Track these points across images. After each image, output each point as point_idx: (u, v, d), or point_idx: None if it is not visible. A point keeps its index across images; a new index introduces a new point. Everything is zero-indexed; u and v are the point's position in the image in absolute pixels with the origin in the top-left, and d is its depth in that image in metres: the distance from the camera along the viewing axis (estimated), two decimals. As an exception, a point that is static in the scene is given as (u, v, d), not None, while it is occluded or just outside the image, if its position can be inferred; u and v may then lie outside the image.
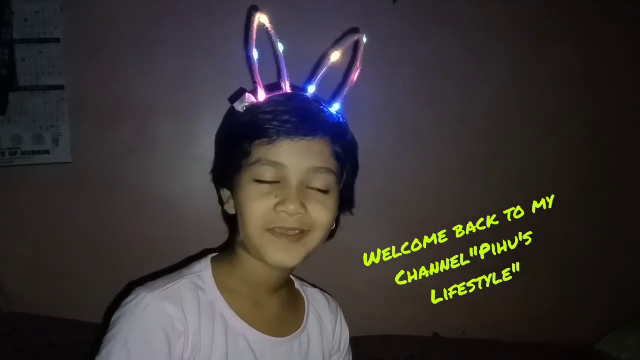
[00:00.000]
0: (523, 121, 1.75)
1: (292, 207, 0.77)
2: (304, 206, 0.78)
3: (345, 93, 0.89)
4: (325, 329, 0.98)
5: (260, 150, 0.79)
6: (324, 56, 0.88)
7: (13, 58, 1.47)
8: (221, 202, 0.92)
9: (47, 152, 1.51)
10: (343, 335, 1.03)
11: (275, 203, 0.78)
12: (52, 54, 1.49)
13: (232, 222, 0.88)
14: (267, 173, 0.79)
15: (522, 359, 1.64)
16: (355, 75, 0.90)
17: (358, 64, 0.90)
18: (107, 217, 1.55)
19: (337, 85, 0.92)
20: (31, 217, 1.53)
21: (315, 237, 0.82)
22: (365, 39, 0.90)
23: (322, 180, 0.81)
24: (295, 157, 0.79)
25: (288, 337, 0.89)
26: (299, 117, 0.80)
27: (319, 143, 0.81)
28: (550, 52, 1.72)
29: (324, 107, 0.86)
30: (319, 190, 0.81)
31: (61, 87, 1.50)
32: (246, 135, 0.80)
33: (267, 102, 0.84)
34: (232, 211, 0.86)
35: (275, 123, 0.79)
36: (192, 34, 1.53)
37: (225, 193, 0.88)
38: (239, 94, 0.87)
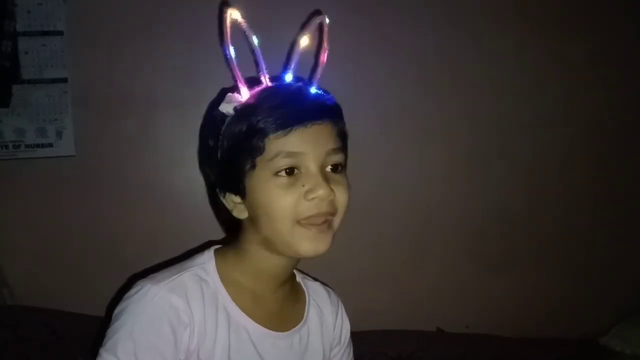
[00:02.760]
0: (530, 116, 1.74)
1: (322, 192, 0.77)
2: (332, 188, 0.79)
3: (319, 75, 0.89)
4: (325, 322, 0.98)
5: (276, 144, 0.78)
6: (294, 43, 0.87)
7: (16, 50, 1.47)
8: (218, 215, 0.90)
9: (51, 145, 1.51)
10: (344, 329, 1.03)
11: (305, 191, 0.78)
12: (55, 46, 1.49)
13: (234, 225, 0.87)
14: (288, 164, 0.78)
15: (526, 353, 1.64)
16: (324, 57, 0.89)
17: (325, 44, 0.89)
18: (110, 210, 1.55)
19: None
20: (35, 210, 1.53)
21: (338, 219, 0.83)
22: (327, 20, 0.89)
23: (336, 160, 0.82)
24: (311, 144, 0.79)
25: (288, 332, 0.90)
26: (305, 104, 0.81)
27: (327, 126, 0.81)
28: (558, 47, 1.71)
29: (316, 90, 0.86)
30: (334, 171, 0.82)
31: (64, 80, 1.50)
32: (257, 132, 0.78)
33: (262, 96, 0.82)
34: (243, 215, 0.84)
35: (285, 111, 0.78)
36: (195, 26, 1.53)
37: (232, 199, 0.85)
38: (219, 97, 0.85)
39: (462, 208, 1.73)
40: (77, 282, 1.54)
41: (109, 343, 0.74)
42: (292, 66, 0.88)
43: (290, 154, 0.78)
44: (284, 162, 0.78)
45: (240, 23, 0.83)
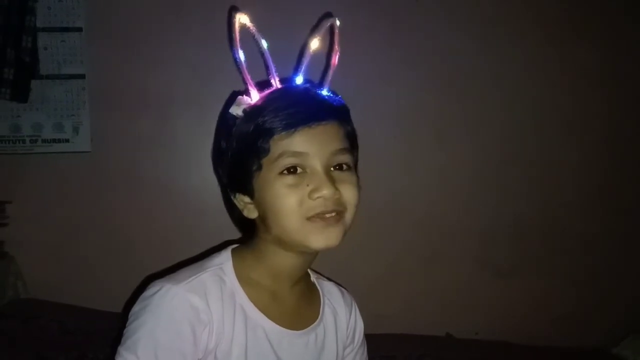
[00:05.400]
0: (542, 122, 1.73)
1: (326, 191, 0.78)
2: (337, 188, 0.79)
3: (330, 77, 0.89)
4: (339, 321, 0.99)
5: (281, 144, 0.79)
6: (304, 45, 0.87)
7: (36, 46, 1.48)
8: (231, 214, 0.91)
9: (67, 140, 1.52)
10: (357, 328, 1.04)
11: (309, 191, 0.79)
12: (74, 42, 1.50)
13: (248, 224, 0.88)
14: (292, 164, 0.79)
15: (536, 361, 1.63)
16: (335, 59, 0.89)
17: (336, 46, 0.89)
18: (125, 207, 1.56)
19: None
20: (50, 204, 1.54)
21: (349, 216, 0.83)
22: (338, 22, 0.89)
23: (343, 160, 0.83)
24: (316, 144, 0.80)
25: (304, 330, 0.90)
26: (311, 105, 0.82)
27: (333, 126, 0.82)
28: (570, 52, 1.70)
29: (326, 92, 0.87)
30: (341, 170, 0.83)
31: (82, 76, 1.51)
32: (262, 133, 0.80)
33: (270, 98, 0.83)
34: (253, 215, 0.86)
35: (290, 112, 0.79)
36: (213, 24, 1.53)
37: (242, 199, 0.86)
38: (231, 100, 0.86)
39: (472, 214, 1.72)
40: (89, 277, 1.55)
41: (128, 342, 0.74)
42: (303, 68, 0.88)
43: (294, 154, 0.79)
44: (287, 162, 0.79)
45: (249, 27, 0.83)
